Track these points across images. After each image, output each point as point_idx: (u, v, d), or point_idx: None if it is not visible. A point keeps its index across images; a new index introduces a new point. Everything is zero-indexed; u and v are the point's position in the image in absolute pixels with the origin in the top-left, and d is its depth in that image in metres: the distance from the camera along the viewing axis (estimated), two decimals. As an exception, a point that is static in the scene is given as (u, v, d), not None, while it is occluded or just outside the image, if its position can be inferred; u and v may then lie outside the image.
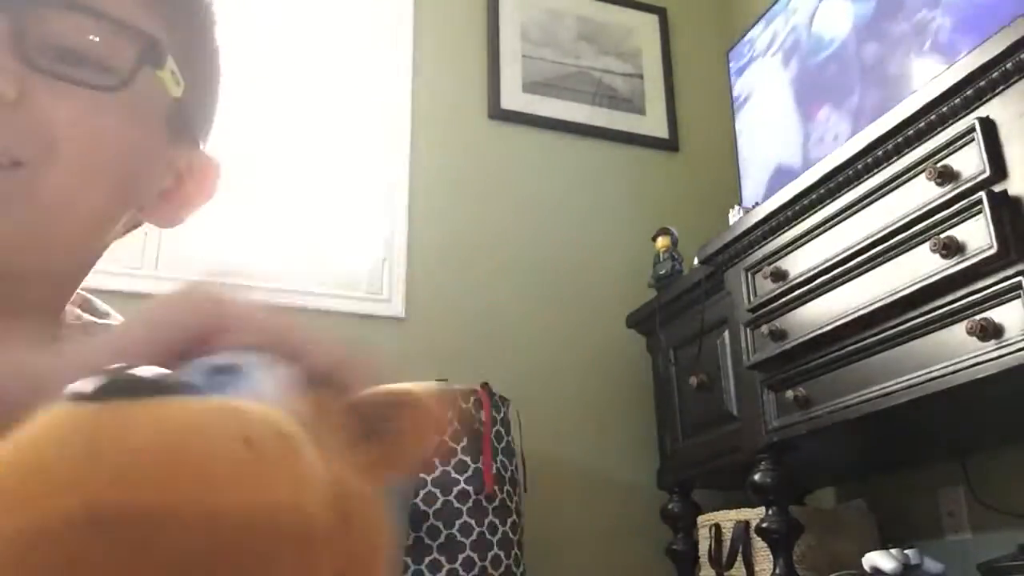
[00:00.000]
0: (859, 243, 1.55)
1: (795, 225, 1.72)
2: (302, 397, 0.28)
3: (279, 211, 2.42)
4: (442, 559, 1.82)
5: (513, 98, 2.73)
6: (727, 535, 2.01)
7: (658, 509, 2.24)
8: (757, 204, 1.91)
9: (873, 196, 1.54)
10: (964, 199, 1.34)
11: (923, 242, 1.41)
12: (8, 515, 0.19)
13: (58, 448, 0.20)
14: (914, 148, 1.47)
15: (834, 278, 1.60)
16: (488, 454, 1.94)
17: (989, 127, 1.34)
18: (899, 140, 1.49)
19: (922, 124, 1.45)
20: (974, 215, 1.32)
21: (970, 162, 1.36)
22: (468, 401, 2.00)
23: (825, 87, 2.08)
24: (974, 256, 1.31)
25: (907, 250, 1.45)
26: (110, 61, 0.46)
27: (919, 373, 1.42)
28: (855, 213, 1.58)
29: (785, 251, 1.74)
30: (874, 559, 1.66)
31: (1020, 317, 1.25)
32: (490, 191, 2.62)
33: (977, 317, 1.31)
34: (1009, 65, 1.30)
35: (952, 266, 1.35)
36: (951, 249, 1.35)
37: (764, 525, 1.78)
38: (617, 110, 2.85)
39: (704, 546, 2.07)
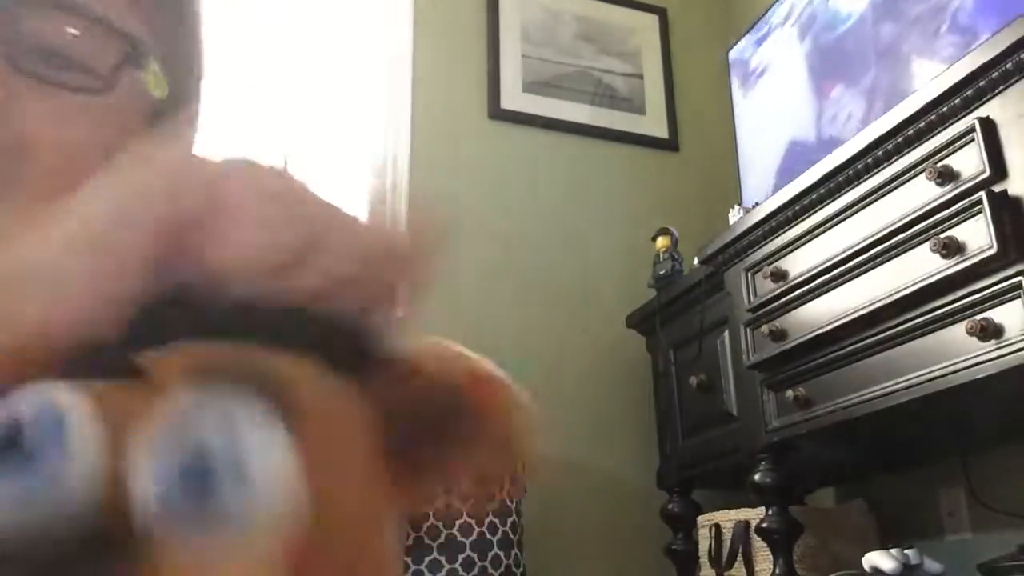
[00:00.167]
0: (859, 243, 1.55)
1: (795, 225, 1.72)
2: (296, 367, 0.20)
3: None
4: (442, 559, 1.83)
5: (513, 98, 2.73)
6: (727, 535, 2.01)
7: (658, 509, 2.24)
8: (757, 204, 1.91)
9: (873, 196, 1.54)
10: (964, 199, 1.34)
11: (923, 242, 1.41)
12: None
13: None
14: (914, 148, 1.47)
15: (834, 278, 1.60)
16: (488, 454, 1.94)
17: (989, 127, 1.34)
18: (899, 140, 1.49)
19: (922, 124, 1.45)
20: (974, 215, 1.32)
21: (970, 162, 1.36)
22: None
23: (840, 64, 2.04)
24: (974, 256, 1.31)
25: (907, 250, 1.45)
26: (92, 63, 0.45)
27: (919, 373, 1.42)
28: (855, 213, 1.58)
29: (785, 251, 1.74)
30: (874, 559, 1.66)
31: (1020, 317, 1.25)
32: (490, 191, 2.62)
33: (977, 317, 1.31)
34: (1009, 65, 1.30)
35: (952, 266, 1.35)
36: (951, 249, 1.35)
37: (764, 525, 1.78)
38: (617, 110, 2.85)
39: (704, 546, 2.07)
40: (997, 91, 1.33)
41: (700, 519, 2.13)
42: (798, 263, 1.70)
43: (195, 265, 0.20)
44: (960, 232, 1.35)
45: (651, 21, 3.01)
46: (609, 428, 2.45)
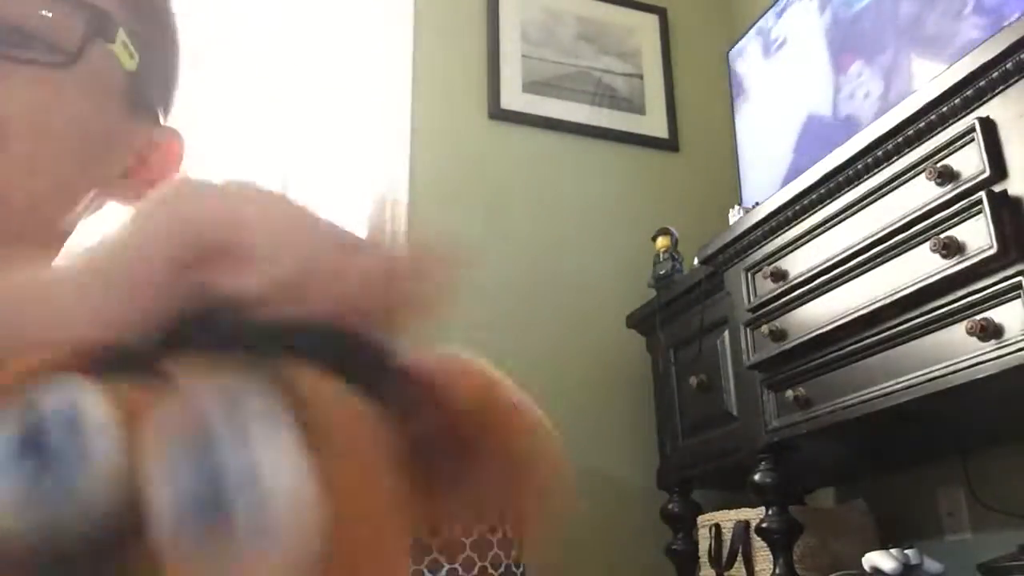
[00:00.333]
0: (859, 243, 1.55)
1: (795, 225, 1.72)
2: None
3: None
4: (442, 559, 1.83)
5: (513, 98, 2.73)
6: (727, 535, 2.01)
7: (658, 509, 2.24)
8: (757, 204, 1.91)
9: (873, 196, 1.54)
10: (964, 199, 1.34)
11: (923, 242, 1.41)
12: None
13: None
14: (914, 148, 1.47)
15: (834, 278, 1.60)
16: (488, 454, 1.94)
17: (989, 127, 1.34)
18: (899, 140, 1.49)
19: (922, 124, 1.45)
20: (974, 215, 1.32)
21: (970, 162, 1.36)
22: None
23: (859, 40, 2.01)
24: (974, 256, 1.31)
25: (907, 250, 1.45)
26: (58, 37, 0.44)
27: (919, 373, 1.42)
28: (855, 213, 1.58)
29: (785, 251, 1.74)
30: (874, 559, 1.66)
31: (1020, 317, 1.25)
32: (490, 191, 2.62)
33: (977, 317, 1.31)
34: (1009, 65, 1.30)
35: (952, 266, 1.35)
36: (951, 249, 1.35)
37: (764, 525, 1.78)
38: (617, 110, 2.85)
39: (704, 546, 2.07)
40: (997, 91, 1.33)
41: (700, 519, 2.13)
42: (798, 263, 1.70)
43: (214, 291, 0.22)
44: (960, 232, 1.35)
45: (651, 21, 3.01)
46: (609, 428, 2.45)
